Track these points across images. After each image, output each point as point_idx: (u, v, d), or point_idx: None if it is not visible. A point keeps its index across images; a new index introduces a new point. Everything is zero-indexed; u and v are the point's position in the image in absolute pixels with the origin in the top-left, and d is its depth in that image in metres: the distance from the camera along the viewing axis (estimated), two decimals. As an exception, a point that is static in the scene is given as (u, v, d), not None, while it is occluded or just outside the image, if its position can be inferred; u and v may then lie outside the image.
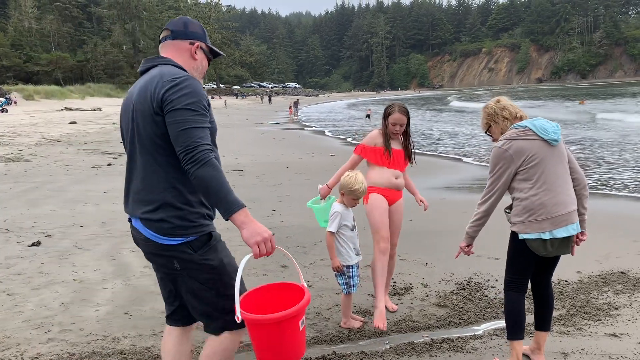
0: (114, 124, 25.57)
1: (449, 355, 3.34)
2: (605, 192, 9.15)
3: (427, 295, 4.40)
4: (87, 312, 4.09)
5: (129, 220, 2.32)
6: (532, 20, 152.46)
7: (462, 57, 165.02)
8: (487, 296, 4.35)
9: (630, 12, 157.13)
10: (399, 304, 4.24)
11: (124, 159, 13.72)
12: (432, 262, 5.26)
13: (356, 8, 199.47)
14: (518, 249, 3.10)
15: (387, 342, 3.56)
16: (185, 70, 2.26)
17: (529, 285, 3.29)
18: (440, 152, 16.01)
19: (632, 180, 10.26)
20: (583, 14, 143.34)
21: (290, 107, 42.85)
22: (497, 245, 5.83)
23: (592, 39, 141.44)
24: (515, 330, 3.11)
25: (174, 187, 2.17)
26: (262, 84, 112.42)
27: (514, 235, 3.13)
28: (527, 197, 3.00)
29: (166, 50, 2.34)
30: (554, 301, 4.22)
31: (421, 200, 4.34)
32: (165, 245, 2.18)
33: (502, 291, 4.43)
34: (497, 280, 4.71)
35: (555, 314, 3.99)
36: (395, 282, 4.69)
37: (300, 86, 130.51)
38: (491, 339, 3.58)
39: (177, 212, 2.17)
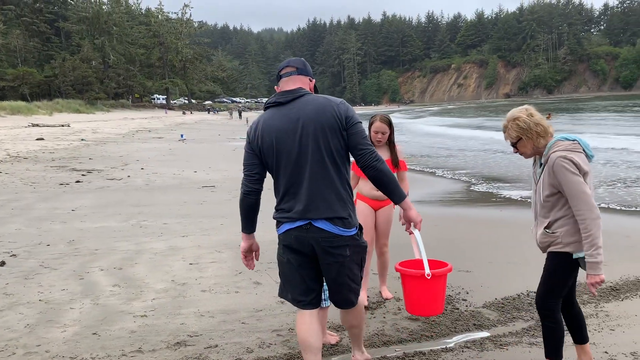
0: (82, 140, 25.13)
1: (422, 369, 3.36)
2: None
3: (400, 309, 4.41)
4: (54, 333, 3.98)
5: (307, 224, 2.71)
6: (499, 37, 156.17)
7: (432, 73, 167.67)
8: (458, 309, 4.40)
9: (592, 30, 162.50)
10: (372, 318, 4.25)
11: (93, 176, 13.58)
12: (404, 276, 5.29)
13: (327, 25, 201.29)
14: (570, 269, 2.98)
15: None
16: None
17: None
18: (415, 166, 16.18)
19: (605, 194, 10.54)
20: (548, 31, 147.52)
21: None
22: (467, 258, 5.92)
23: (557, 56, 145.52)
24: (561, 350, 3.11)
25: (349, 188, 2.80)
26: (234, 99, 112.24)
27: (565, 256, 2.96)
28: (573, 214, 2.89)
29: (295, 82, 2.81)
30: (526, 313, 4.30)
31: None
32: (348, 236, 2.73)
33: (473, 304, 4.50)
34: (467, 293, 4.77)
35: (524, 325, 4.05)
36: (367, 296, 4.70)
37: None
38: (462, 351, 3.61)
39: (353, 207, 2.80)
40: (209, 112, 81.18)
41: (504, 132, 3.12)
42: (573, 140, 2.92)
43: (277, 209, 2.85)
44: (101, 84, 70.78)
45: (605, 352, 3.54)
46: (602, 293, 4.64)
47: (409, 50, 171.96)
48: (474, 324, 4.06)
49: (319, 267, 2.84)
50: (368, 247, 4.35)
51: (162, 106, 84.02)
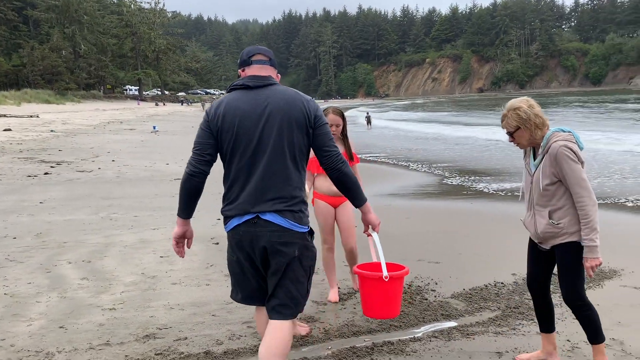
0: (52, 131, 24.59)
1: (390, 358, 3.40)
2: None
3: (370, 300, 4.45)
4: (19, 327, 3.91)
5: (254, 218, 2.56)
6: (473, 32, 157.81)
7: (407, 67, 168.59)
8: (427, 299, 4.46)
9: (563, 27, 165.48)
10: (342, 309, 4.29)
11: (62, 168, 13.31)
12: (375, 268, 5.34)
13: (303, 17, 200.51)
14: (581, 257, 3.00)
15: (329, 347, 3.59)
16: None
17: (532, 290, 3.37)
18: (389, 159, 16.29)
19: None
20: (520, 26, 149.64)
21: None
22: (437, 250, 6.01)
23: (529, 51, 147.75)
24: (602, 330, 3.13)
25: (302, 185, 2.69)
26: (208, 90, 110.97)
27: (573, 245, 3.01)
28: (572, 204, 2.97)
29: (266, 71, 2.72)
30: (492, 303, 4.39)
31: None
32: (299, 232, 2.60)
33: (442, 294, 4.58)
34: (436, 284, 4.84)
35: (491, 315, 4.14)
36: (338, 288, 4.73)
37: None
38: (430, 340, 3.67)
39: (305, 205, 2.69)
40: (182, 104, 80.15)
41: (502, 121, 3.13)
42: (568, 132, 3.02)
43: (224, 201, 2.68)
44: (71, 74, 69.11)
45: (568, 341, 3.64)
46: (566, 283, 4.77)
47: (384, 44, 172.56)
48: (442, 314, 4.13)
49: (259, 267, 2.70)
50: (332, 245, 4.43)
51: (134, 97, 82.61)
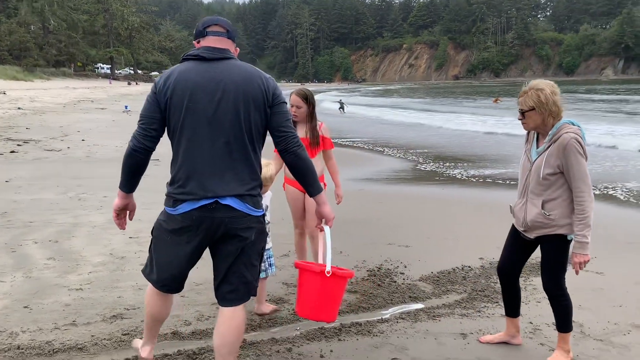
0: (19, 108, 23.93)
1: (357, 339, 3.45)
2: (509, 183, 9.75)
3: (340, 283, 4.49)
4: (-18, 307, 3.84)
5: (213, 203, 2.41)
6: (450, 18, 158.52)
7: (384, 52, 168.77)
8: (395, 282, 4.53)
9: (539, 16, 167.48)
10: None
11: (30, 147, 13.00)
12: (345, 250, 5.38)
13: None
14: (566, 249, 3.04)
15: (298, 328, 3.61)
16: None
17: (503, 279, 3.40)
18: (364, 145, 16.34)
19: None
20: (497, 15, 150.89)
21: None
22: (407, 234, 6.09)
23: (505, 40, 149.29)
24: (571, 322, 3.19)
25: (256, 170, 2.54)
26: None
27: (560, 237, 3.03)
28: (572, 198, 2.97)
29: (224, 44, 2.54)
30: (459, 286, 4.48)
31: (337, 195, 4.40)
32: (256, 217, 2.50)
33: (410, 277, 4.65)
34: (405, 267, 4.91)
35: (457, 297, 4.22)
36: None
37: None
38: (397, 322, 3.72)
39: (260, 188, 2.58)
40: (156, 84, 78.77)
41: (520, 97, 3.04)
42: (578, 127, 2.98)
43: (173, 183, 2.48)
44: (40, 50, 67.18)
45: (530, 323, 3.74)
46: (531, 268, 4.88)
47: (362, 28, 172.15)
48: (410, 296, 4.20)
49: (202, 253, 2.59)
50: (303, 229, 4.36)
51: (106, 76, 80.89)
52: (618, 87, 69.06)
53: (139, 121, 2.48)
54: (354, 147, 15.51)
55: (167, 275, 2.62)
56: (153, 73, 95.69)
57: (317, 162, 4.24)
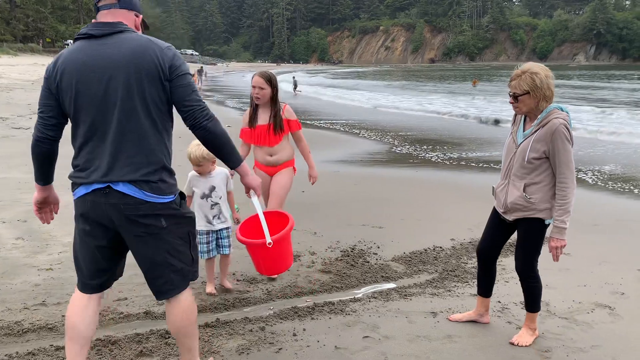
0: (-14, 84, 23.17)
1: (330, 318, 3.50)
2: (482, 166, 9.89)
3: (313, 263, 4.54)
4: (-52, 287, 3.76)
5: (105, 188, 2.24)
6: (427, 1, 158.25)
7: (361, 34, 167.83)
8: (368, 262, 4.58)
9: (514, 0, 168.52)
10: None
11: (-3, 124, 12.60)
12: (320, 231, 5.42)
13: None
14: (543, 233, 3.10)
15: (271, 307, 3.64)
16: None
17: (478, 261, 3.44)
18: (339, 127, 16.33)
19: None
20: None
21: (193, 75, 38.42)
22: (381, 215, 6.14)
23: (481, 23, 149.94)
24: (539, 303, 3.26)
25: (166, 149, 2.37)
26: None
27: (538, 222, 3.07)
28: (553, 184, 3.00)
29: (115, 16, 2.34)
30: (430, 266, 4.55)
31: (311, 176, 4.36)
32: (161, 203, 2.30)
33: (383, 257, 4.70)
34: (379, 248, 4.96)
35: (428, 277, 4.29)
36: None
37: (197, 53, 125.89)
38: (369, 301, 3.78)
39: (168, 172, 2.37)
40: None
41: (513, 81, 3.01)
42: (566, 113, 2.99)
43: (73, 166, 2.35)
44: (7, 25, 65.00)
45: (499, 302, 3.84)
46: (503, 250, 4.99)
47: (338, 9, 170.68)
48: (382, 276, 4.26)
49: (119, 245, 2.41)
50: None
51: (77, 53, 78.71)
52: (586, 72, 70.28)
53: (38, 110, 2.35)
54: (329, 129, 15.50)
55: (87, 271, 2.43)
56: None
57: (285, 147, 4.21)
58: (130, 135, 2.25)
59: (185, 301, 2.47)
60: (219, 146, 2.38)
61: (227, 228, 3.84)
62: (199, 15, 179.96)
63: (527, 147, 3.02)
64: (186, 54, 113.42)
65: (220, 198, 3.78)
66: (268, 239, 2.82)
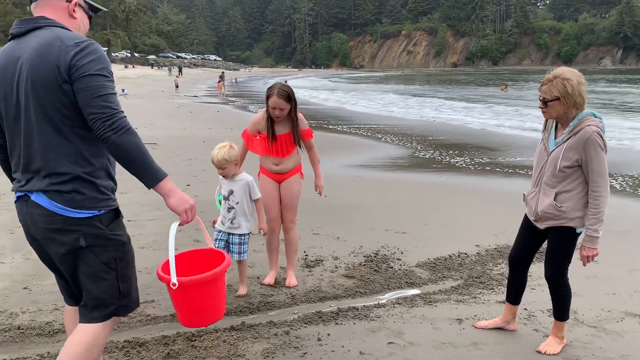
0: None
1: (354, 323, 3.49)
2: (507, 171, 9.78)
3: (337, 267, 4.54)
4: (-19, 287, 3.86)
5: (22, 197, 2.11)
6: (449, 5, 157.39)
7: (383, 38, 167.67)
8: (392, 267, 4.56)
9: (538, 4, 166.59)
10: (309, 275, 4.35)
11: None
12: (343, 236, 5.42)
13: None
14: (574, 242, 3.06)
15: (296, 312, 3.66)
16: None
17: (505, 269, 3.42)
18: (362, 132, 16.32)
19: (529, 162, 11.03)
20: (497, 2, 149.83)
21: (219, 82, 37.21)
22: (404, 220, 6.12)
23: (504, 27, 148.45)
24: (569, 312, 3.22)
25: (84, 158, 2.09)
26: (180, 54, 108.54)
27: (569, 230, 3.02)
28: (586, 192, 2.95)
29: (42, 9, 2.14)
30: (455, 272, 4.52)
31: (317, 186, 4.21)
32: (75, 218, 2.06)
33: (407, 263, 4.68)
34: (402, 253, 4.94)
35: (453, 284, 4.26)
36: (307, 255, 4.79)
37: (220, 59, 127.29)
38: (394, 307, 3.77)
39: (89, 184, 2.09)
40: (152, 67, 78.20)
41: (544, 85, 2.93)
42: (599, 119, 2.93)
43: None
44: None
45: (525, 309, 3.79)
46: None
47: (360, 13, 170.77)
48: (406, 282, 4.24)
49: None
50: (274, 224, 4.07)
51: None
52: (615, 77, 69.02)
53: None
54: (351, 134, 15.50)
55: (57, 280, 2.31)
56: (150, 56, 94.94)
57: (293, 157, 4.05)
58: (38, 142, 2.05)
59: (88, 337, 2.14)
60: (127, 162, 2.03)
61: (239, 235, 3.84)
62: (222, 22, 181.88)
63: (558, 155, 2.96)
64: (209, 59, 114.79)
65: (237, 204, 3.80)
66: (173, 279, 2.24)
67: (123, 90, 28.07)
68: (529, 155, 11.65)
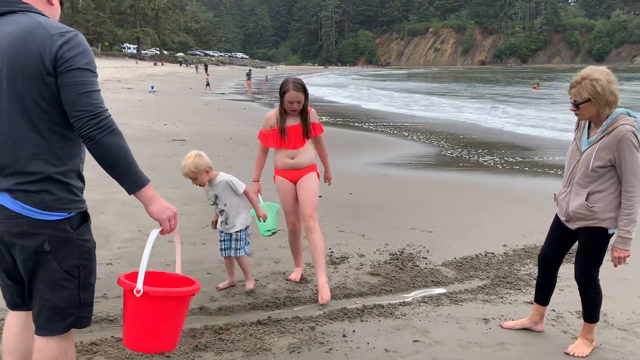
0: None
1: (379, 320, 3.50)
2: (536, 171, 9.64)
3: (362, 265, 4.55)
4: (17, 278, 3.99)
5: None
6: (477, 2, 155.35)
7: (410, 35, 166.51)
8: (418, 266, 4.56)
9: (569, 1, 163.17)
10: (335, 272, 4.37)
11: None
12: (368, 234, 5.43)
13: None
14: (606, 243, 3.02)
15: (321, 308, 3.68)
16: None
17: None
18: (387, 129, 16.28)
19: (559, 161, 10.85)
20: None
21: (248, 80, 37.71)
22: (430, 219, 6.10)
23: (534, 25, 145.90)
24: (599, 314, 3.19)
25: (57, 157, 1.93)
26: (207, 52, 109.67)
27: (601, 231, 2.98)
28: (619, 192, 2.90)
29: None
30: (482, 272, 4.49)
31: (326, 178, 4.27)
32: (43, 221, 1.90)
33: (433, 262, 4.67)
34: (428, 252, 4.93)
35: (480, 283, 4.24)
36: (332, 252, 4.82)
37: (247, 56, 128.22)
38: (419, 305, 3.76)
39: (60, 184, 1.94)
40: (180, 65, 79.16)
41: (573, 88, 2.89)
42: (634, 118, 2.88)
43: None
44: (69, 29, 67.94)
45: (553, 310, 3.74)
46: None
47: (387, 11, 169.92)
48: (432, 281, 4.23)
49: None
50: (294, 226, 4.09)
51: (132, 56, 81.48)
52: (650, 75, 67.18)
53: None
54: (377, 132, 15.45)
55: (3, 285, 2.14)
56: (179, 54, 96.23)
57: (307, 149, 4.02)
58: (8, 138, 1.90)
59: (51, 352, 1.99)
60: (110, 164, 1.91)
61: (235, 232, 3.89)
62: (249, 19, 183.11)
63: (591, 155, 2.92)
64: (236, 57, 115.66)
65: (225, 205, 3.85)
66: (139, 285, 2.02)
67: (152, 87, 28.53)
68: (560, 155, 11.46)
